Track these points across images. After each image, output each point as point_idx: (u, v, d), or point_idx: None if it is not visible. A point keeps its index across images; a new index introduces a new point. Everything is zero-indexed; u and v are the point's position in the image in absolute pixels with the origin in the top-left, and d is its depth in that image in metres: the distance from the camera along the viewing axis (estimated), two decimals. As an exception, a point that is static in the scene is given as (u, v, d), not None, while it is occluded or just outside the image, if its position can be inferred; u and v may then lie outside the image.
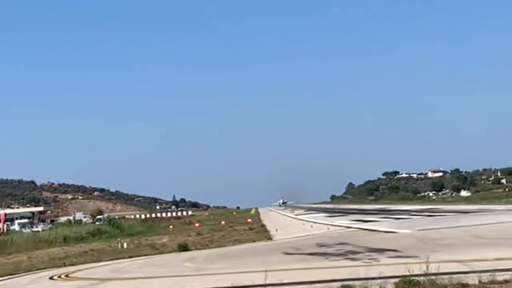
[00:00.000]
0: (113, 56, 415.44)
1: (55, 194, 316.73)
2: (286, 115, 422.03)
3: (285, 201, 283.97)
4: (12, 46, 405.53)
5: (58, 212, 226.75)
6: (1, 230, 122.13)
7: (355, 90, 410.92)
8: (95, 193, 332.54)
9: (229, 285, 21.46)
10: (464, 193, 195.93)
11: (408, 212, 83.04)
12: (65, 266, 44.15)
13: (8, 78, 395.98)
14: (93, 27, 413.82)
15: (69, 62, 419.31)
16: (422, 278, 17.76)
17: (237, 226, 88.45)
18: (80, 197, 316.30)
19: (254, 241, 51.85)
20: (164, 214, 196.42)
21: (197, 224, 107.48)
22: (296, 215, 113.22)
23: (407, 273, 18.35)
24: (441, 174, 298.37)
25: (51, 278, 34.26)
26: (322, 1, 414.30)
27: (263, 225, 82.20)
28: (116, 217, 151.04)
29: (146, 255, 47.94)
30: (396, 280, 18.18)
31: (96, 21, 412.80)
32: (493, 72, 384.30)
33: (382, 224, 53.76)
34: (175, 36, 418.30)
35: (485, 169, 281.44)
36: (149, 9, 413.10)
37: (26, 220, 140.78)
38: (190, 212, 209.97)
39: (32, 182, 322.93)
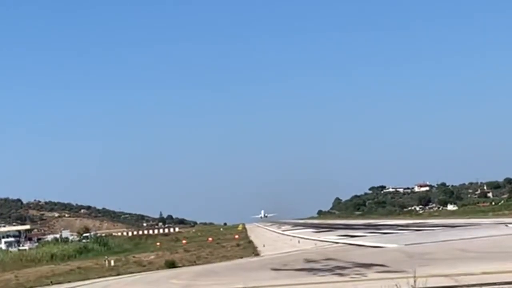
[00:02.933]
0: (100, 75, 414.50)
1: (42, 212, 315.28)
2: (273, 131, 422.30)
3: (266, 214, 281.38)
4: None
5: (44, 230, 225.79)
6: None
7: (343, 104, 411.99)
8: (82, 210, 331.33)
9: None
10: (450, 207, 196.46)
11: (395, 226, 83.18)
12: (52, 284, 43.96)
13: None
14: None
15: (50, 81, 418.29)
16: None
17: (225, 242, 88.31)
18: (66, 215, 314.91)
19: (241, 257, 51.78)
20: (151, 231, 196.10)
21: (184, 241, 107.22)
22: (283, 230, 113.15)
23: (395, 288, 18.42)
24: (427, 188, 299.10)
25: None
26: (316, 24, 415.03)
27: (250, 241, 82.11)
28: (103, 234, 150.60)
29: (133, 272, 47.80)
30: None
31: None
32: (479, 87, 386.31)
33: (369, 239, 53.83)
34: (158, 49, 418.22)
35: (471, 183, 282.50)
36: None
37: (12, 239, 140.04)
38: (177, 229, 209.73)
39: (19, 200, 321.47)
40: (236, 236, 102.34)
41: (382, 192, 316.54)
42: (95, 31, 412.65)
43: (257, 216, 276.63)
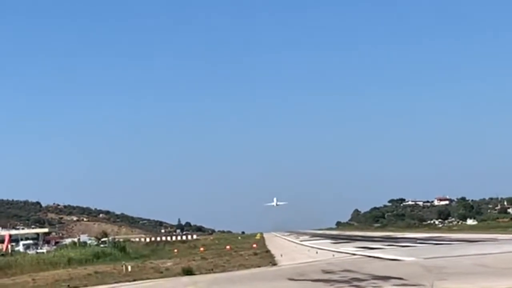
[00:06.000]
0: (114, 80, 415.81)
1: (60, 216, 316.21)
2: (293, 142, 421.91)
3: (278, 203, 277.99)
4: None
5: (63, 234, 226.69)
6: (6, 251, 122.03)
7: (361, 117, 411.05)
8: (100, 215, 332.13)
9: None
10: (470, 221, 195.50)
11: (413, 240, 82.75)
12: (69, 288, 44.07)
13: (14, 100, 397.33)
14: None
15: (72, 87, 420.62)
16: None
17: (242, 251, 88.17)
18: (85, 219, 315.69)
19: (258, 266, 51.67)
20: (169, 238, 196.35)
21: (202, 248, 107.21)
22: (301, 240, 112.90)
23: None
24: (447, 202, 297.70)
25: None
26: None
27: (268, 250, 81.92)
28: (121, 240, 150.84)
29: (150, 278, 47.81)
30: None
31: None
32: (501, 102, 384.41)
33: (388, 252, 53.56)
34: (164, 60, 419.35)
35: (491, 198, 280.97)
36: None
37: (31, 242, 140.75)
38: (195, 236, 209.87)
39: (38, 203, 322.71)
40: (254, 245, 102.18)
41: (401, 204, 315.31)
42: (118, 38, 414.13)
43: (270, 204, 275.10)
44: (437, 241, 71.60)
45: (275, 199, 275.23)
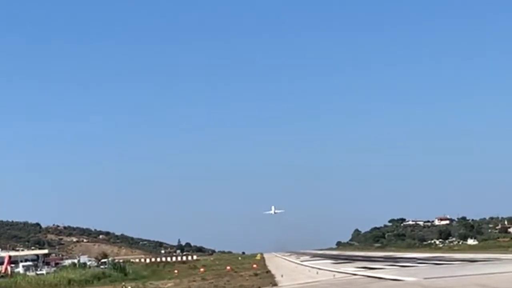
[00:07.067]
0: (111, 100, 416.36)
1: (60, 237, 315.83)
2: (294, 161, 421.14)
3: (276, 211, 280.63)
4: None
5: (62, 255, 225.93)
6: (6, 273, 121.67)
7: (361, 135, 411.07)
8: (100, 236, 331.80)
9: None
10: (470, 241, 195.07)
11: (414, 260, 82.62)
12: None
13: (11, 122, 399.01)
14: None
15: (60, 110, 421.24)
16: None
17: (243, 271, 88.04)
18: (85, 240, 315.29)
19: (259, 287, 51.58)
20: (169, 259, 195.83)
21: (202, 269, 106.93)
22: (301, 261, 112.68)
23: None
24: (447, 222, 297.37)
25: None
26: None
27: (268, 271, 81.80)
28: (121, 260, 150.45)
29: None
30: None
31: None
32: (502, 121, 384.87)
33: (388, 272, 53.46)
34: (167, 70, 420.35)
35: (492, 218, 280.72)
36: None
37: (30, 263, 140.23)
38: (195, 257, 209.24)
39: (37, 224, 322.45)
40: (254, 266, 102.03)
41: (401, 224, 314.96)
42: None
43: (268, 212, 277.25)
44: (438, 261, 71.49)
45: (273, 207, 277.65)
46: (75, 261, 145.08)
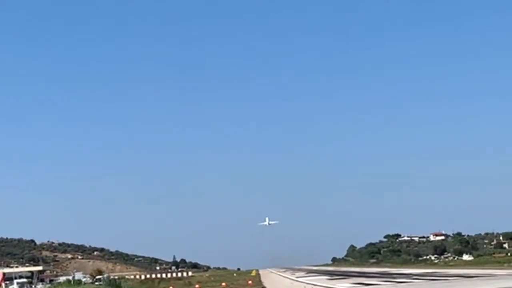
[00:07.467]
0: (107, 116, 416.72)
1: (55, 254, 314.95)
2: (293, 175, 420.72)
3: (270, 222, 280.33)
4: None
5: (57, 272, 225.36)
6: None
7: (357, 150, 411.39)
8: (95, 252, 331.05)
9: None
10: (466, 257, 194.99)
11: (409, 275, 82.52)
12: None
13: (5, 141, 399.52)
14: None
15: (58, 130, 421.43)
16: None
17: (238, 287, 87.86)
18: (79, 257, 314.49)
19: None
20: (164, 275, 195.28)
21: (197, 286, 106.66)
22: (297, 277, 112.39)
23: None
24: (443, 237, 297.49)
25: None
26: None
27: (264, 287, 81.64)
28: (116, 277, 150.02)
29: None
30: None
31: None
32: (496, 137, 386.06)
33: (384, 288, 53.42)
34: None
35: (487, 233, 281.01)
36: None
37: (24, 280, 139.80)
38: (190, 273, 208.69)
39: (32, 241, 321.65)
40: (250, 282, 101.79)
41: (397, 240, 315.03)
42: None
43: (262, 223, 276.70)
44: (434, 277, 71.42)
45: (267, 219, 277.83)
46: (70, 278, 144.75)
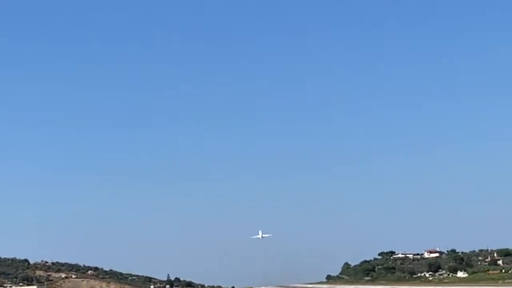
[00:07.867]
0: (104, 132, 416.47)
1: (49, 273, 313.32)
2: (289, 195, 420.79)
3: (263, 235, 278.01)
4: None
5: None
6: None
7: (352, 169, 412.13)
8: (89, 271, 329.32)
9: None
10: (460, 274, 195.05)
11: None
12: None
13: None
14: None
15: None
16: None
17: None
18: (73, 276, 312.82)
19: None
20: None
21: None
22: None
23: None
24: (437, 254, 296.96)
25: None
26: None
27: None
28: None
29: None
30: None
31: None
32: (493, 153, 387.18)
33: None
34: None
35: (481, 250, 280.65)
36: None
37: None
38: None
39: (26, 260, 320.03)
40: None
41: (391, 257, 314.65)
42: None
43: (256, 236, 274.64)
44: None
45: (260, 232, 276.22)
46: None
